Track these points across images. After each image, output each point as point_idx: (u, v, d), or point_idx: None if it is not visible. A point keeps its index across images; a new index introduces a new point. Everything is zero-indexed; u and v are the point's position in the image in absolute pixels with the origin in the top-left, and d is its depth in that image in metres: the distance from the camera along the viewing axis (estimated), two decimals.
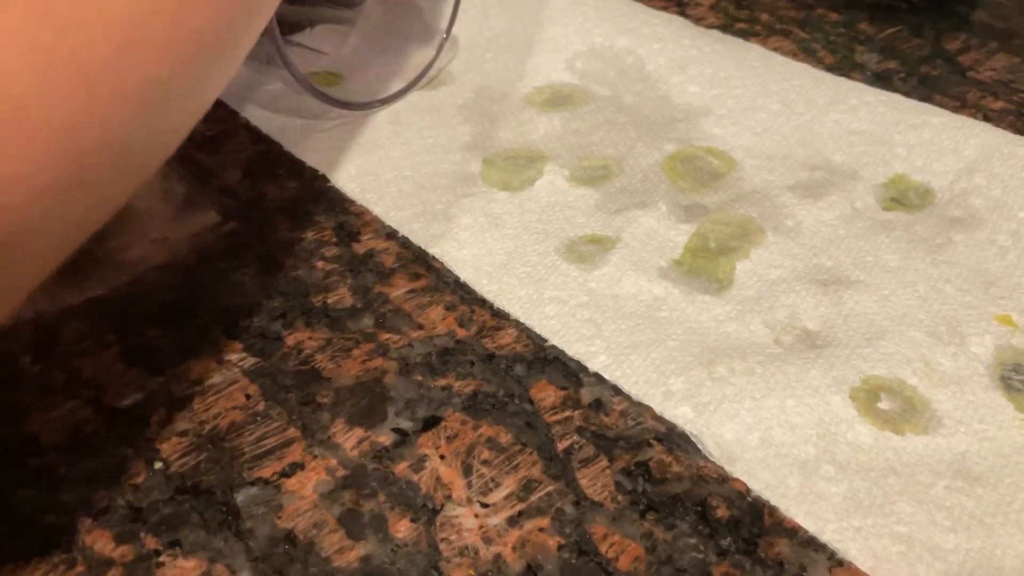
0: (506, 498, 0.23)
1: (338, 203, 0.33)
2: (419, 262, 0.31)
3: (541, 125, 0.37)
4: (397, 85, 0.38)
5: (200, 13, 0.18)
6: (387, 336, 0.28)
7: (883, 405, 0.25)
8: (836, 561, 0.22)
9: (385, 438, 0.25)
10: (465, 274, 0.30)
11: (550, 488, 0.23)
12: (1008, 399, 0.25)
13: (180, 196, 0.33)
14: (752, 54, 0.41)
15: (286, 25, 0.42)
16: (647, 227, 0.31)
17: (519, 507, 0.23)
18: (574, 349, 0.27)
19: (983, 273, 0.29)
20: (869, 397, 0.25)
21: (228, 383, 0.26)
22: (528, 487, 0.23)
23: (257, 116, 0.38)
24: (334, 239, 0.32)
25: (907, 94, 0.37)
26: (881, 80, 0.40)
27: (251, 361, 0.27)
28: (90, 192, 0.18)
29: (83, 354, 0.27)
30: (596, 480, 0.24)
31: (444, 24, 0.39)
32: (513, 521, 0.23)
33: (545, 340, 0.28)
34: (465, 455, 0.24)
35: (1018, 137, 0.34)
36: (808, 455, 0.24)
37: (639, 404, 0.26)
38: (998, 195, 0.32)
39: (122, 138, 0.18)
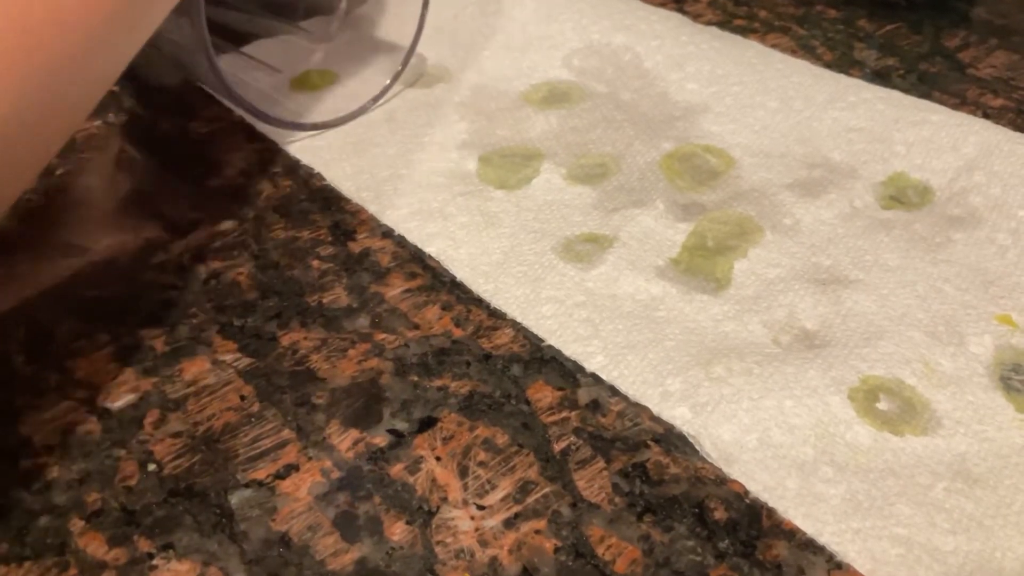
0: (502, 500, 0.23)
1: (334, 202, 0.33)
2: (415, 261, 0.30)
3: (538, 123, 0.37)
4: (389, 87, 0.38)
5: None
6: (383, 336, 0.28)
7: (882, 405, 0.25)
8: (835, 563, 0.22)
9: (380, 439, 0.24)
10: (461, 273, 0.30)
11: (547, 490, 0.23)
12: (1008, 399, 0.25)
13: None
14: (750, 51, 0.40)
15: (288, 13, 0.42)
16: (644, 226, 0.31)
17: (515, 509, 0.23)
18: (571, 349, 0.27)
19: (983, 272, 0.29)
20: (868, 397, 0.25)
21: (222, 384, 0.26)
22: (525, 489, 0.23)
23: None
24: (329, 238, 0.31)
25: (906, 91, 0.37)
26: (880, 77, 0.40)
27: (246, 362, 0.27)
28: None
29: (76, 354, 0.27)
30: (593, 482, 0.23)
31: (409, 41, 0.38)
32: (509, 523, 0.22)
33: (542, 340, 0.27)
34: (461, 456, 0.24)
35: (1018, 135, 0.34)
36: (806, 456, 0.24)
37: (636, 405, 0.25)
38: (998, 193, 0.32)
39: None
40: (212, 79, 0.32)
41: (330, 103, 0.38)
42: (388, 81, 0.38)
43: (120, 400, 0.26)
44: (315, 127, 0.36)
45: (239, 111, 0.38)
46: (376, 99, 0.38)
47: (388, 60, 0.39)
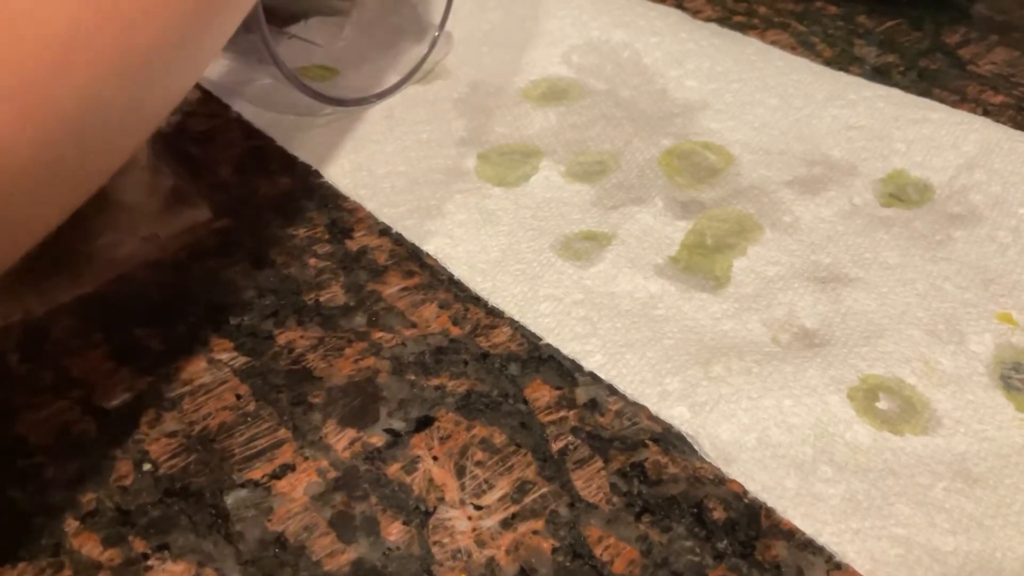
0: (500, 500, 0.23)
1: (331, 199, 0.33)
2: (412, 259, 0.30)
3: (537, 120, 0.37)
4: (392, 80, 0.38)
5: (149, 25, 0.18)
6: (380, 335, 0.27)
7: (882, 405, 0.25)
8: (834, 564, 0.21)
9: (377, 439, 0.24)
10: (459, 271, 0.29)
11: (544, 490, 0.23)
12: (1008, 398, 0.25)
13: (170, 192, 0.33)
14: (750, 48, 0.40)
15: (281, 16, 0.41)
16: (643, 223, 0.31)
17: (513, 509, 0.23)
18: (569, 348, 0.27)
19: (983, 270, 0.29)
20: (867, 397, 0.25)
21: (218, 383, 0.26)
22: (522, 489, 0.23)
23: (249, 111, 0.37)
24: (327, 236, 0.31)
25: (906, 88, 0.37)
26: (880, 74, 0.40)
27: (242, 360, 0.27)
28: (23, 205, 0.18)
29: (72, 353, 0.27)
30: (591, 482, 0.23)
31: (438, 19, 0.39)
32: (507, 523, 0.22)
33: (540, 339, 0.27)
34: (458, 456, 0.24)
35: (1018, 132, 0.34)
36: (806, 456, 0.24)
37: (635, 404, 0.25)
38: (998, 191, 0.32)
39: (55, 154, 0.17)
40: (264, 53, 0.32)
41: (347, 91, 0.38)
42: (426, 50, 0.39)
43: (116, 399, 0.25)
44: (384, 93, 0.38)
45: (231, 107, 0.37)
46: (411, 75, 0.38)
47: (405, 50, 0.39)
